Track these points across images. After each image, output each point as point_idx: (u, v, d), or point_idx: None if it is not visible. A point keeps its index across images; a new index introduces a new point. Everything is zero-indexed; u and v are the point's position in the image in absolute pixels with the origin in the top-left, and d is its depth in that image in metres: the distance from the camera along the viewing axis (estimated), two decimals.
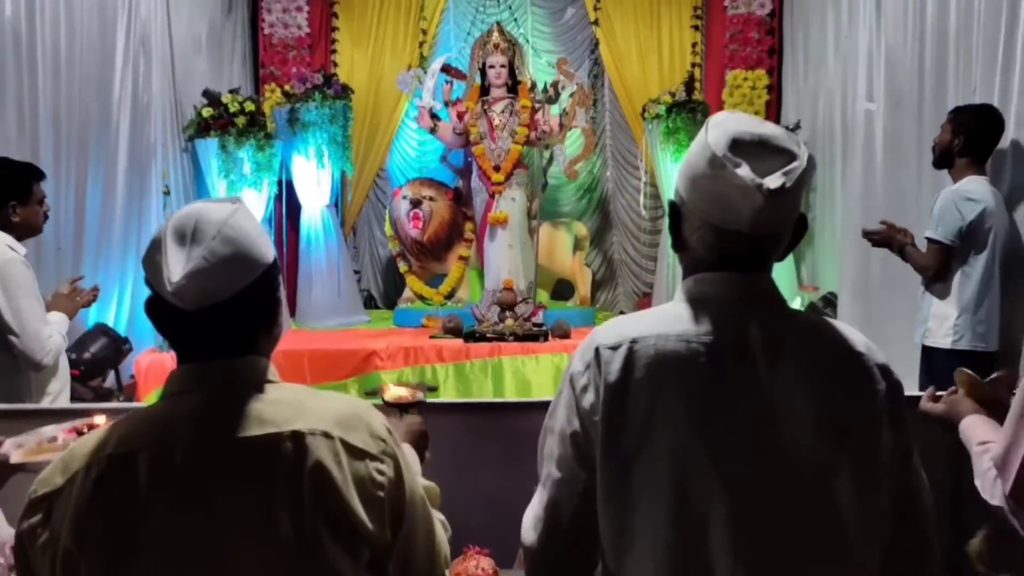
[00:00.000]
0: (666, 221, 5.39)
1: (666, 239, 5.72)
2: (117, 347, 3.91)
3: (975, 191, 2.81)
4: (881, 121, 4.07)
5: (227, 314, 1.01)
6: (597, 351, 1.03)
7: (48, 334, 2.58)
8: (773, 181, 0.97)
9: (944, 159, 2.98)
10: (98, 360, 3.83)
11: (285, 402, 1.03)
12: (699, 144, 1.04)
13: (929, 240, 2.87)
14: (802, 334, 1.05)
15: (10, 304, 2.47)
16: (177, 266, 0.98)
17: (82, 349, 3.77)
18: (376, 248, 6.68)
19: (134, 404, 2.01)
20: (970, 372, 1.53)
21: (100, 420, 1.23)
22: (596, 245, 6.62)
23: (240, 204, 1.08)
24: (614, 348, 1.02)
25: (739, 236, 1.01)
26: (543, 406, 1.95)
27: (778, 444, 0.99)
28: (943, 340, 2.86)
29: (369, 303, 6.51)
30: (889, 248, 3.07)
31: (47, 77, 3.67)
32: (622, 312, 6.59)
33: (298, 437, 0.98)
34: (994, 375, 1.55)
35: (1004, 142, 2.94)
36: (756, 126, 1.03)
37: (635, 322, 1.06)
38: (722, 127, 1.02)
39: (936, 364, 2.89)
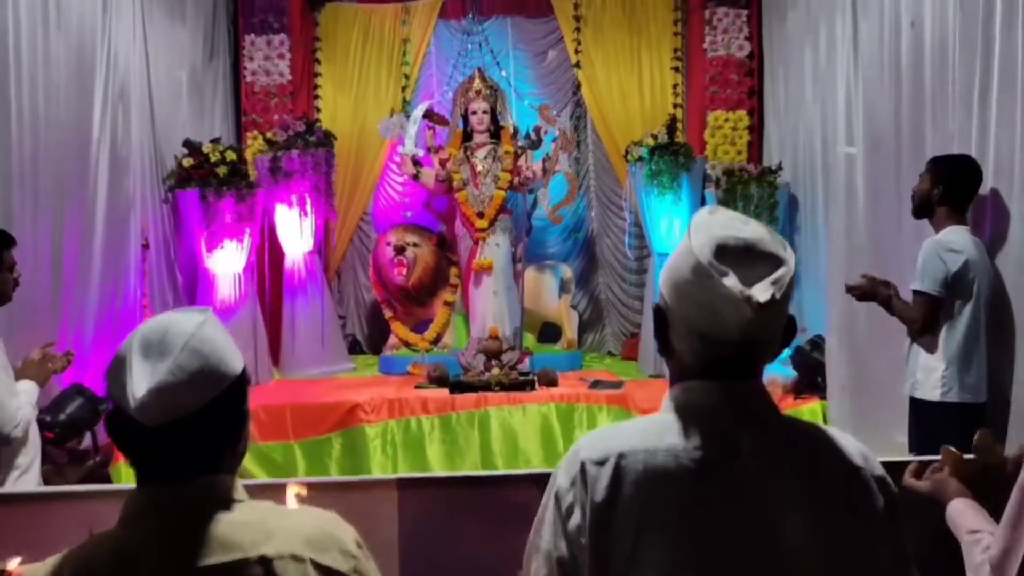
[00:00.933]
0: (652, 264, 5.37)
1: (652, 279, 5.71)
2: (94, 407, 3.81)
3: (957, 241, 2.80)
4: (861, 164, 4.09)
5: (191, 430, 0.98)
6: (583, 467, 0.99)
7: (17, 406, 2.52)
8: (762, 293, 0.94)
9: (924, 208, 2.98)
10: (74, 422, 3.73)
11: (251, 524, 0.98)
12: (683, 249, 1.01)
13: (915, 292, 2.85)
14: (796, 447, 1.02)
15: None
16: (142, 381, 0.95)
17: (57, 411, 3.67)
18: (361, 292, 6.63)
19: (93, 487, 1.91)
20: (955, 450, 1.50)
21: (13, 565, 1.17)
22: (582, 286, 6.59)
23: (209, 315, 1.05)
24: (600, 463, 0.98)
25: (728, 345, 0.99)
26: (526, 479, 1.90)
27: (773, 562, 0.95)
28: (932, 393, 2.83)
29: (355, 348, 6.46)
30: (874, 300, 3.06)
31: (23, 135, 3.62)
32: (610, 353, 6.55)
33: (266, 562, 0.95)
34: (978, 435, 1.54)
35: (984, 189, 2.94)
36: (740, 228, 1.00)
37: (622, 434, 1.03)
38: (705, 231, 1.00)
39: (925, 417, 2.86)
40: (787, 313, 1.02)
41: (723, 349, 0.99)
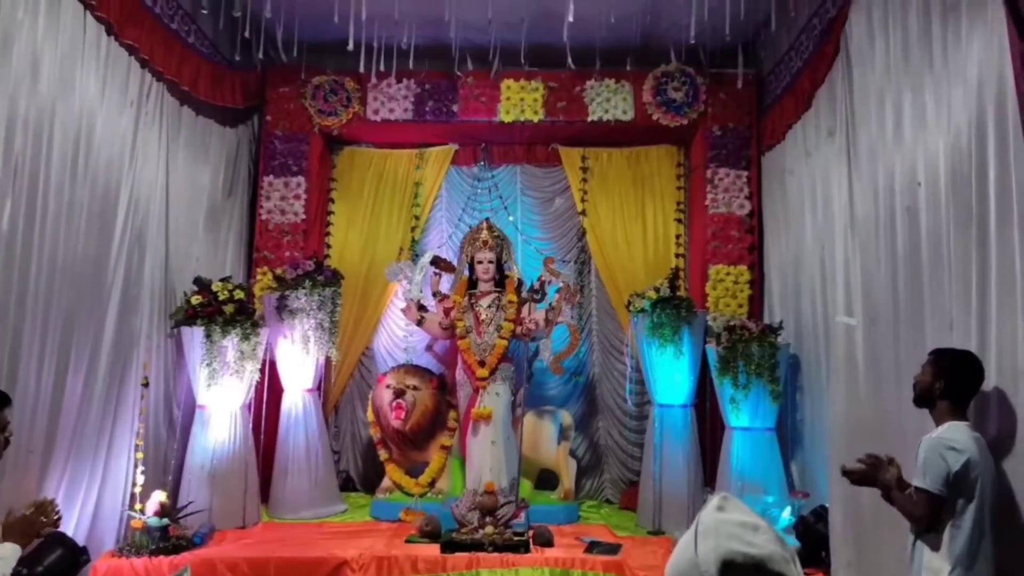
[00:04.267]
0: (652, 412, 5.29)
1: (653, 428, 5.65)
2: (74, 559, 3.69)
3: (958, 440, 2.76)
4: (861, 337, 4.11)
5: None
6: None
7: None
8: None
9: (924, 400, 2.96)
10: (52, 574, 3.61)
11: None
12: (688, 558, 0.99)
13: (917, 489, 2.80)
14: None
15: None
16: None
17: (35, 563, 3.54)
18: (358, 428, 6.55)
19: None
20: None
21: None
22: (582, 430, 6.51)
23: None
24: None
25: None
26: None
27: None
28: None
29: (347, 484, 6.32)
30: (872, 486, 3.00)
31: (40, 280, 3.68)
32: (609, 501, 6.38)
33: None
34: None
35: (987, 386, 2.94)
36: (749, 541, 0.98)
37: None
38: (712, 539, 0.98)
39: None
40: None
41: None
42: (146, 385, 4.62)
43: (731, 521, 1.01)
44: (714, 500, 1.05)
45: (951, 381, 2.87)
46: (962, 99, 3.25)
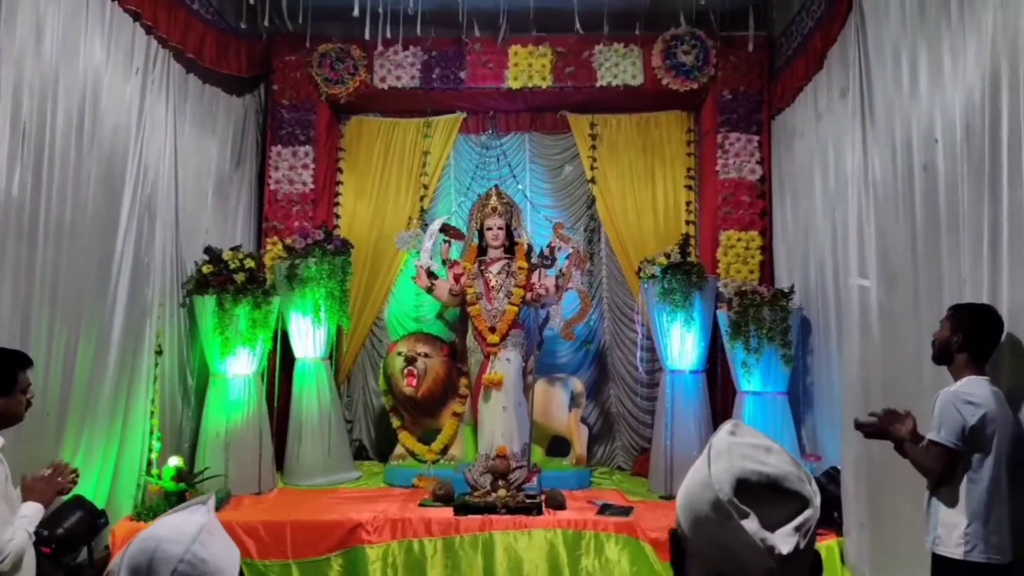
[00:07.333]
0: (663, 379, 5.25)
1: (664, 394, 5.65)
2: (93, 521, 3.76)
3: (975, 394, 2.75)
4: (876, 297, 4.08)
5: None
6: None
7: (9, 537, 2.46)
8: (785, 543, 0.90)
9: (943, 355, 2.94)
10: (72, 536, 3.67)
11: None
12: (701, 478, 0.97)
13: (932, 442, 2.79)
14: None
15: None
16: None
17: (55, 524, 3.61)
18: (370, 397, 6.59)
19: None
20: None
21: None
22: (593, 398, 6.52)
23: (203, 522, 1.03)
24: None
25: None
26: None
27: None
28: (954, 550, 2.72)
29: (361, 453, 6.37)
30: (886, 440, 2.98)
31: (48, 247, 3.70)
32: (620, 468, 6.41)
33: None
34: None
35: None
36: (763, 460, 0.96)
37: None
38: (726, 461, 0.96)
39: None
40: (812, 551, 0.97)
41: None
42: (160, 353, 4.66)
43: (744, 443, 1.00)
44: (726, 426, 1.04)
45: (969, 334, 2.84)
46: (975, 51, 3.19)
